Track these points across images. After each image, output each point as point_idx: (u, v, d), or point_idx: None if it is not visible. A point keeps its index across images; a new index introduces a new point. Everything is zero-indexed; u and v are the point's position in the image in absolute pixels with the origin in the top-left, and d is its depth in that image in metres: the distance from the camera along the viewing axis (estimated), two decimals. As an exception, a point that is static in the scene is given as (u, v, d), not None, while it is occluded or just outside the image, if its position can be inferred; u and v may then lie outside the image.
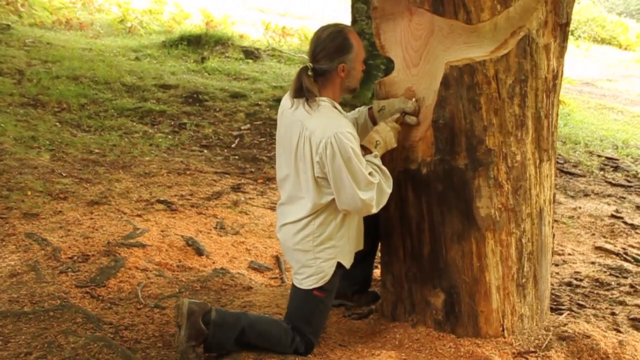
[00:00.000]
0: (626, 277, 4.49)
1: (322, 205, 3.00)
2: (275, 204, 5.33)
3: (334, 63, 2.98)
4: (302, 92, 2.98)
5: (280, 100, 8.99)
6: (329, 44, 2.98)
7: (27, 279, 3.67)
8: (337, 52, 2.98)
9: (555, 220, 4.38)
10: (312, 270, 3.07)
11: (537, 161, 3.22)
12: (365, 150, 3.01)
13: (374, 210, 2.98)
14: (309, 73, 3.00)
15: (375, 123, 3.27)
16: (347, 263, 3.15)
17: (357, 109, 3.42)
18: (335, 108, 3.02)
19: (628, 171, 7.39)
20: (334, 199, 2.97)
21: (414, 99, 3.17)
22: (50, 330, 3.14)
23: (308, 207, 3.01)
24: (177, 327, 2.89)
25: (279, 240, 3.22)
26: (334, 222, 3.05)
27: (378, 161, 3.01)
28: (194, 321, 2.87)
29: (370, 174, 2.92)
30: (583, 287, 4.29)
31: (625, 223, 5.76)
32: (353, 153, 2.86)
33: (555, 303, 3.92)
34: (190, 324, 2.86)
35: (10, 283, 3.63)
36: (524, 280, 3.28)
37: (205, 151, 6.72)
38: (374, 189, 2.92)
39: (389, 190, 3.02)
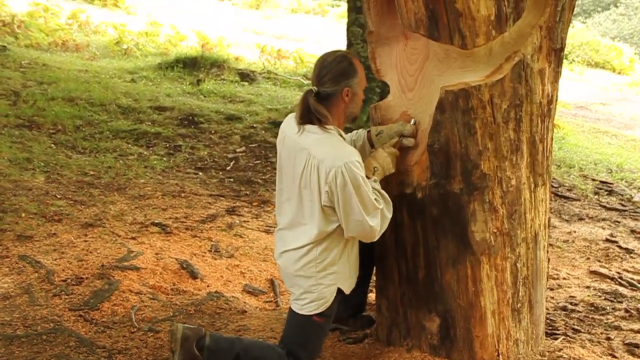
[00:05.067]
0: (621, 302, 4.48)
1: (327, 232, 2.97)
2: (270, 227, 5.33)
3: (339, 86, 2.96)
4: (309, 116, 2.95)
5: (275, 123, 8.93)
6: (335, 67, 2.97)
7: (20, 302, 3.65)
8: (343, 75, 2.97)
9: (550, 244, 4.38)
10: (314, 296, 3.03)
11: (532, 185, 3.23)
12: None
13: (377, 236, 2.97)
14: (314, 97, 2.97)
15: (373, 146, 3.28)
16: (347, 288, 3.12)
17: (355, 132, 3.41)
18: (341, 136, 3.02)
19: (622, 195, 7.41)
20: (338, 226, 2.96)
21: (412, 121, 3.17)
22: (43, 354, 3.12)
23: (312, 234, 2.97)
24: (171, 353, 2.87)
25: (279, 266, 3.18)
26: (337, 249, 3.02)
27: (378, 186, 3.01)
28: (188, 347, 2.84)
29: (375, 199, 2.92)
30: (578, 311, 4.28)
31: (620, 247, 5.76)
32: (362, 181, 2.86)
33: (550, 328, 3.91)
34: (184, 350, 2.84)
35: (3, 306, 3.60)
36: (519, 305, 3.27)
37: (200, 173, 6.71)
38: (379, 215, 2.92)
39: (390, 215, 3.01)
